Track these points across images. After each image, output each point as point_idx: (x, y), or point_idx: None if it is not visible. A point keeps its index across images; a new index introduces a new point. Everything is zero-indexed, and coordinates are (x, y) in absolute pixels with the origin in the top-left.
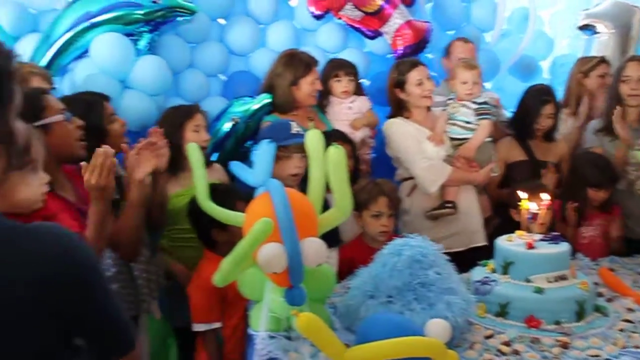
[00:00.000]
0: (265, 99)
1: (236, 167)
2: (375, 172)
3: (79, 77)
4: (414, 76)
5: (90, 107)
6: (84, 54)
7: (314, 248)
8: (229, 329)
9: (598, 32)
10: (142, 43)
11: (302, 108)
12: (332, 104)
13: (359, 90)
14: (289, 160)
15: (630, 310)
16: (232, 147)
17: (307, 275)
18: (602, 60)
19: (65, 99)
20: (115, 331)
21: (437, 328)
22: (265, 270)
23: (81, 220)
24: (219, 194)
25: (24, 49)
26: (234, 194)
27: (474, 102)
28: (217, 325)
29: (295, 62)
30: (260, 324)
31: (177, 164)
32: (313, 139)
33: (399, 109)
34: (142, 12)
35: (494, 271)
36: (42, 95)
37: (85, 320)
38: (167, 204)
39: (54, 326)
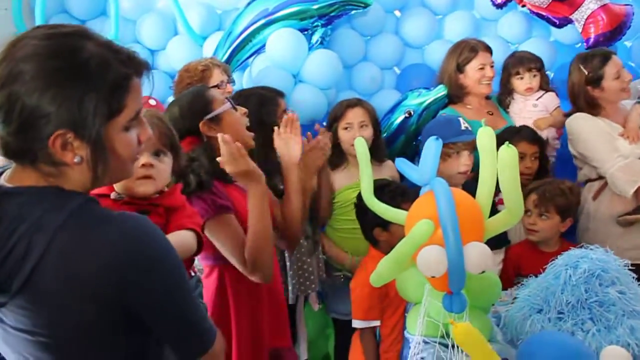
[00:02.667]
0: (441, 91)
1: (402, 163)
2: (558, 173)
3: (255, 72)
4: (610, 70)
5: (264, 101)
6: (261, 49)
7: (477, 253)
8: (388, 328)
9: None
10: (316, 37)
11: (478, 100)
12: (515, 101)
13: (545, 85)
14: (458, 157)
15: None
16: (404, 142)
17: (469, 281)
18: None
19: (243, 93)
20: (187, 331)
21: (616, 357)
22: (424, 273)
23: None
24: (387, 192)
25: (211, 47)
26: (402, 193)
27: None
28: (375, 323)
29: (460, 47)
30: (416, 328)
31: (337, 160)
32: (484, 137)
33: (592, 107)
34: (316, 7)
35: None
36: (206, 92)
37: (154, 317)
38: (331, 198)
39: (123, 315)
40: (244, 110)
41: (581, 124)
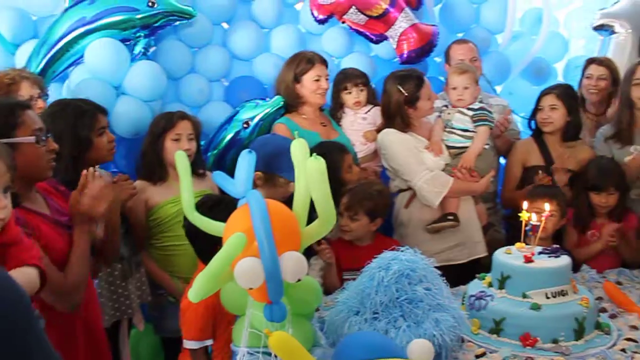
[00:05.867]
0: (277, 102)
1: (218, 177)
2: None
3: (74, 83)
4: (425, 92)
5: (80, 114)
6: (80, 59)
7: (292, 262)
8: (220, 342)
9: (615, 32)
10: (138, 48)
11: (313, 110)
12: (346, 115)
13: (373, 100)
14: (287, 186)
15: (634, 327)
16: (235, 156)
17: (290, 290)
18: (592, 61)
19: (62, 102)
20: None
21: (420, 349)
22: (242, 285)
23: (60, 230)
24: (222, 207)
25: (24, 56)
26: (231, 206)
27: (470, 109)
28: (209, 342)
29: (298, 58)
30: (241, 340)
31: (159, 173)
32: (297, 149)
33: (406, 124)
34: (139, 17)
35: (490, 285)
36: (19, 112)
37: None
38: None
39: None
40: (54, 146)
41: (391, 139)
